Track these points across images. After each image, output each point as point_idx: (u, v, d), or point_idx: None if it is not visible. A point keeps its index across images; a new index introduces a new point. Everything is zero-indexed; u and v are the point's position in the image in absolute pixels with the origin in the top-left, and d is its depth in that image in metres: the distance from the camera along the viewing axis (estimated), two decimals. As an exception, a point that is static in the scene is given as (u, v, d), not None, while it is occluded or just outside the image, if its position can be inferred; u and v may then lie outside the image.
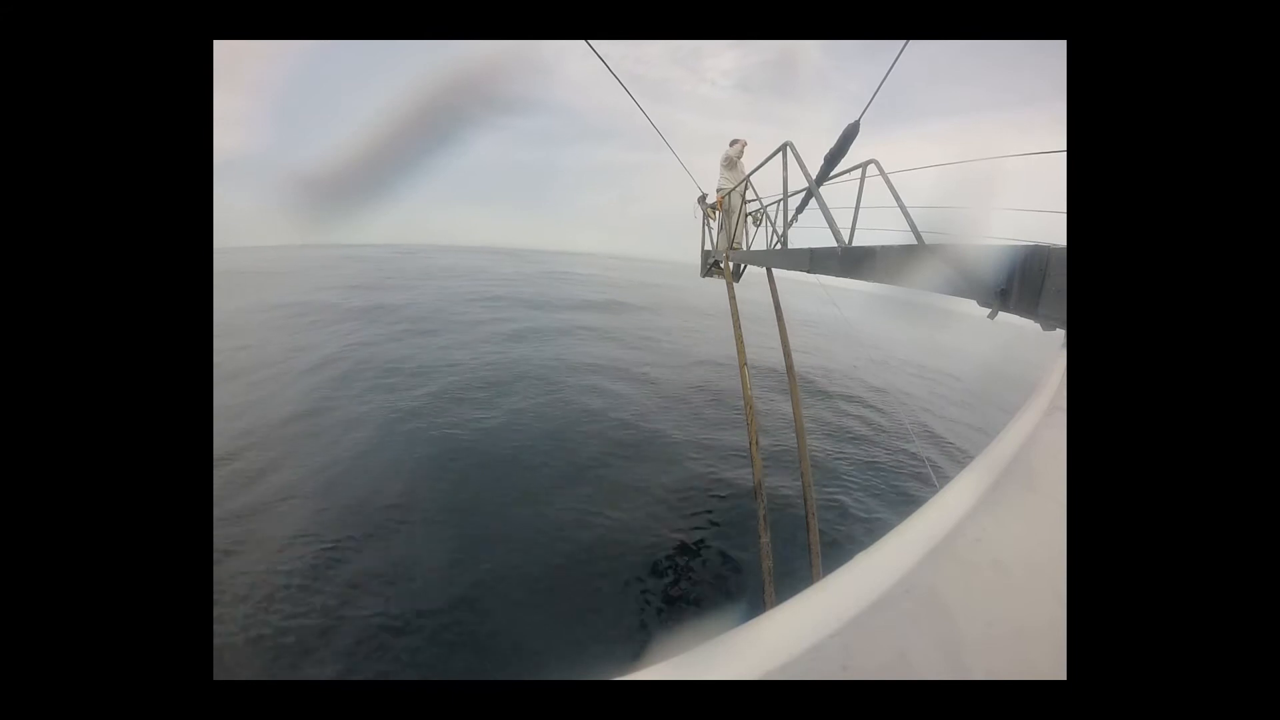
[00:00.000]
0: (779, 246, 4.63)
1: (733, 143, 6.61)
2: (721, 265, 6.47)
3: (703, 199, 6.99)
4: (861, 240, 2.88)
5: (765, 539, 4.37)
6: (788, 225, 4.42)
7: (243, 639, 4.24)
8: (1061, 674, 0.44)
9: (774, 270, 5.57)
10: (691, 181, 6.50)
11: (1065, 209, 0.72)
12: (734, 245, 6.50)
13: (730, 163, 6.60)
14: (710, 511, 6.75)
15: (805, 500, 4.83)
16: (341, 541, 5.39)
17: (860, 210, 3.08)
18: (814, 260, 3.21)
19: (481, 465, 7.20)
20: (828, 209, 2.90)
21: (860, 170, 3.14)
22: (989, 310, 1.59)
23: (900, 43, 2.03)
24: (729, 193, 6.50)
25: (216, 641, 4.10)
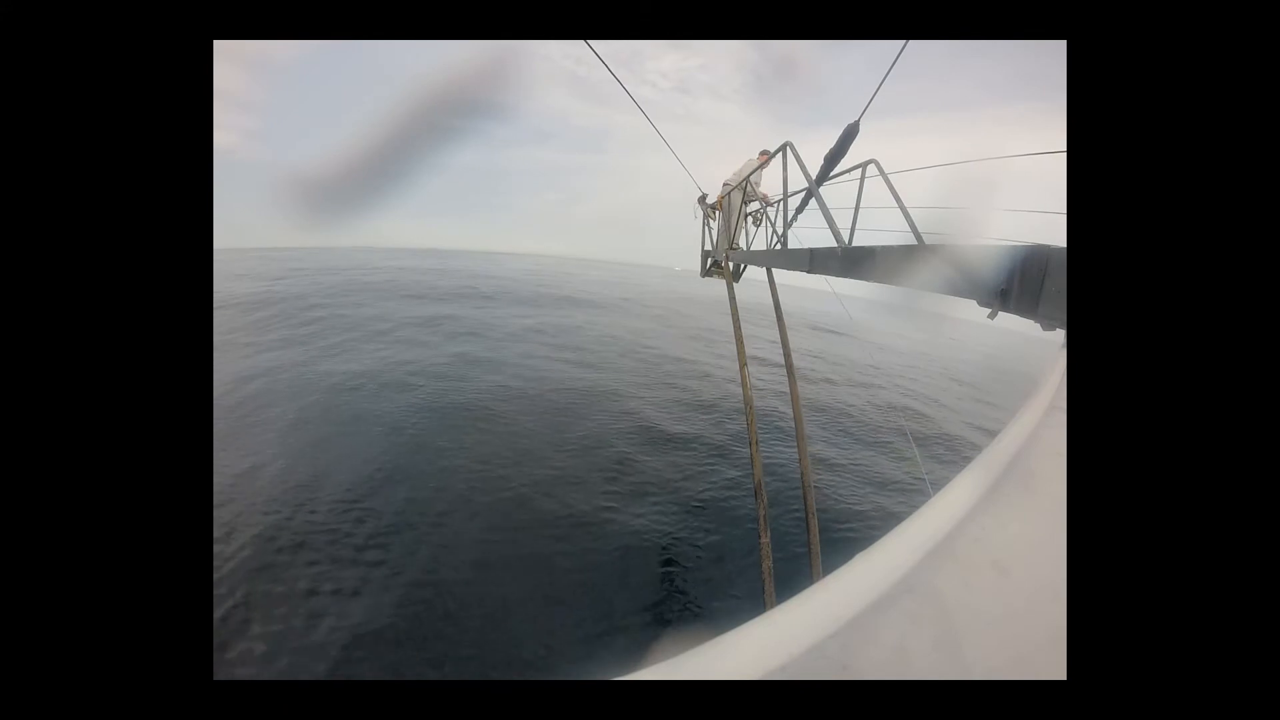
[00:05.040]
0: (779, 246, 4.63)
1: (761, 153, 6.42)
2: (721, 265, 6.47)
3: (703, 199, 6.98)
4: (861, 240, 2.89)
5: (765, 539, 4.37)
6: (788, 225, 4.42)
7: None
8: (1061, 674, 0.44)
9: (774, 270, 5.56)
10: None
11: (1065, 209, 0.72)
12: (733, 245, 6.50)
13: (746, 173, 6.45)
14: (710, 511, 6.75)
15: (805, 500, 4.82)
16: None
17: (860, 210, 3.08)
18: (814, 260, 3.21)
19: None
20: (828, 209, 2.90)
21: (860, 170, 3.14)
22: (989, 310, 1.59)
23: (900, 43, 2.03)
24: (729, 193, 6.50)
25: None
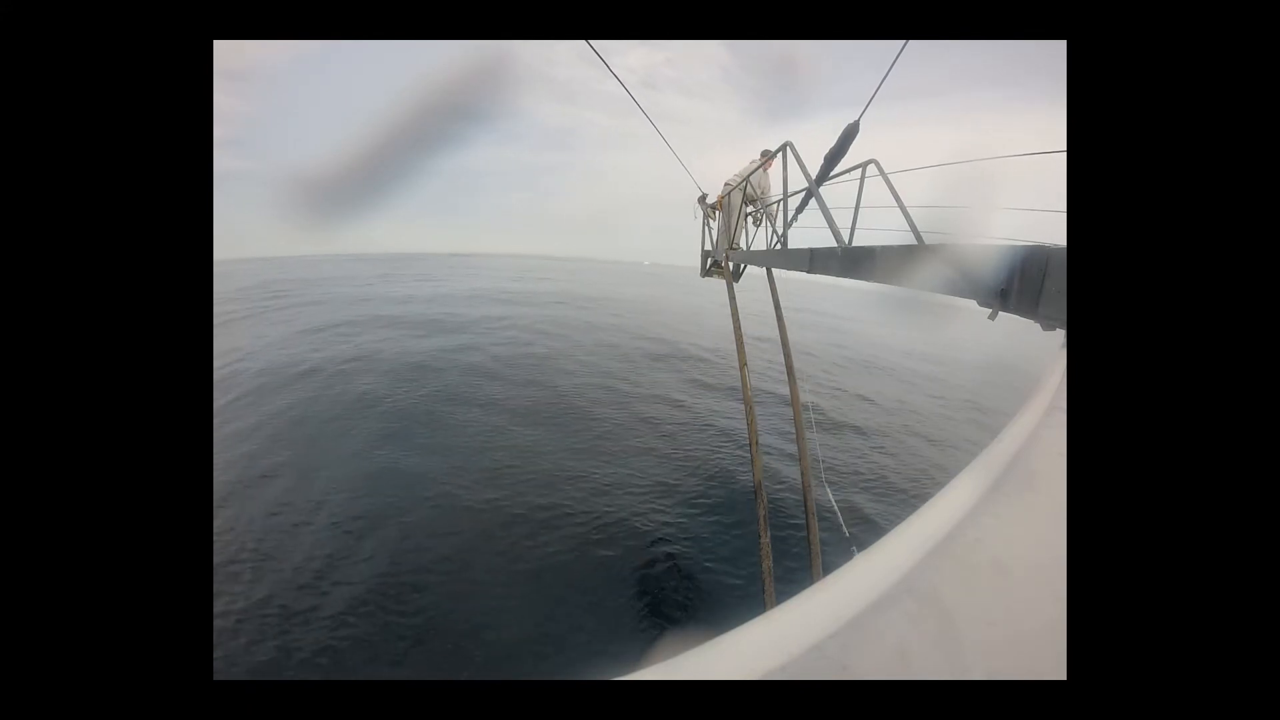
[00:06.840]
0: (779, 246, 4.63)
1: (763, 153, 6.33)
2: (721, 265, 6.47)
3: (703, 199, 6.97)
4: (861, 240, 2.88)
5: (765, 539, 4.38)
6: (788, 225, 4.42)
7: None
8: (1061, 674, 0.44)
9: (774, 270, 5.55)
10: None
11: (1065, 209, 0.72)
12: (733, 245, 6.49)
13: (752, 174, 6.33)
14: (710, 511, 6.75)
15: (805, 500, 4.82)
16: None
17: (860, 210, 3.08)
18: (814, 260, 3.21)
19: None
20: (828, 209, 2.90)
21: (860, 170, 3.14)
22: (989, 311, 1.59)
23: (900, 43, 2.02)
24: (729, 193, 6.48)
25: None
